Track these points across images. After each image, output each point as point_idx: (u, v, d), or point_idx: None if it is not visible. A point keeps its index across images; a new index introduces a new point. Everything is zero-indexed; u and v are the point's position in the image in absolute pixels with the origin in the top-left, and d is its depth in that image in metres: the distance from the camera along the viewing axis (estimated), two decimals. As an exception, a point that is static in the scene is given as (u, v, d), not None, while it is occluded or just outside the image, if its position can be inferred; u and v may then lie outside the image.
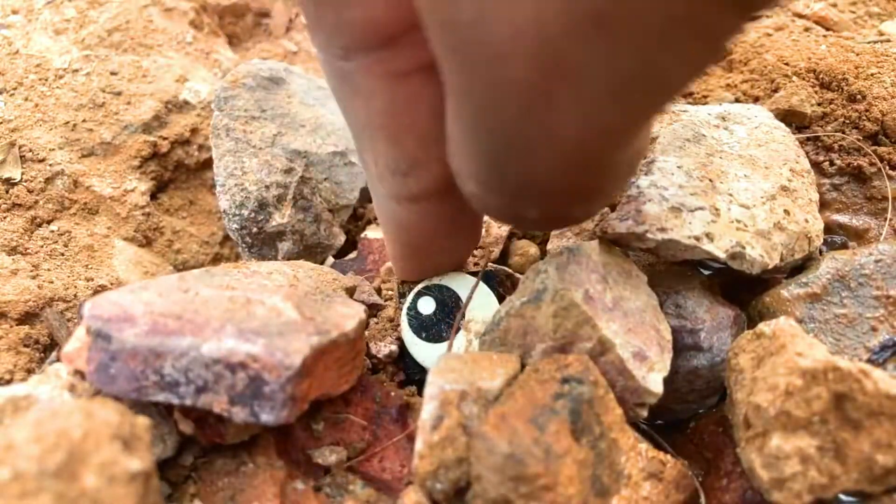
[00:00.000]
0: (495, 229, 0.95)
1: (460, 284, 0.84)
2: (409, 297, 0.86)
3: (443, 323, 0.84)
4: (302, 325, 0.65)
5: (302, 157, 0.99)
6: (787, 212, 0.79)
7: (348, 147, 1.04)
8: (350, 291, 0.87)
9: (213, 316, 0.64)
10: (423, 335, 0.83)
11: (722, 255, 0.73)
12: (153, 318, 0.63)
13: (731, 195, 0.78)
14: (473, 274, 0.87)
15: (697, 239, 0.73)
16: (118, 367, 0.61)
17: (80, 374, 0.68)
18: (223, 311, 0.65)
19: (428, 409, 0.63)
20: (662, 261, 0.83)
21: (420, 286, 0.86)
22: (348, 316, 0.71)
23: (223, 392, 0.60)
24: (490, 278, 0.87)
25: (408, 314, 0.86)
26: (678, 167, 0.80)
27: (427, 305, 0.85)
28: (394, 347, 0.88)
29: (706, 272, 0.85)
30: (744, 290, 0.84)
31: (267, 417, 0.60)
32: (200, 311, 0.64)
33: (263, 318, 0.65)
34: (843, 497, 0.61)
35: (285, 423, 0.61)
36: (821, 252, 0.84)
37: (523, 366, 0.71)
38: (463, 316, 0.83)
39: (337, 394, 0.67)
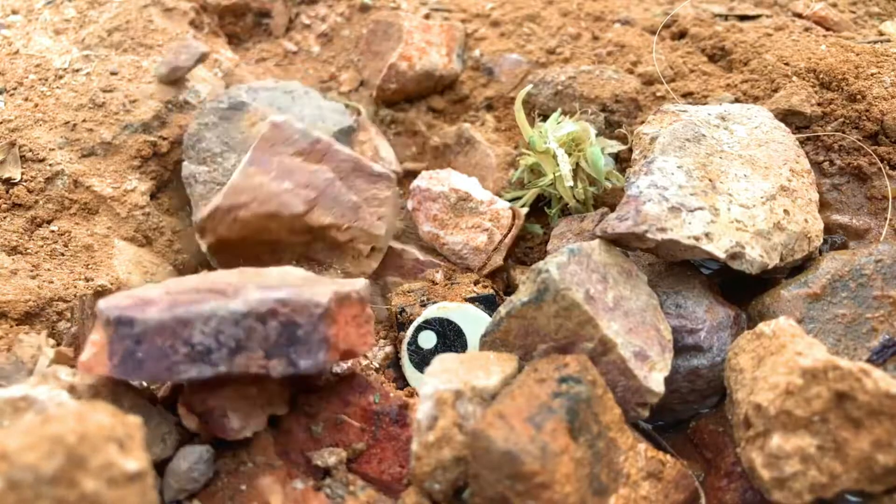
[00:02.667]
0: (496, 258, 0.95)
1: (461, 316, 0.83)
2: (410, 332, 0.85)
3: None
4: (318, 281, 0.67)
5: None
6: (786, 212, 0.79)
7: None
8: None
9: (232, 282, 0.64)
10: (424, 370, 0.82)
11: (722, 256, 0.73)
12: (172, 297, 0.63)
13: (730, 195, 0.78)
14: (472, 301, 0.86)
15: (697, 239, 0.73)
16: (145, 349, 0.60)
17: (75, 373, 0.68)
18: (239, 277, 0.66)
19: (423, 409, 0.63)
20: (662, 261, 0.83)
21: (420, 319, 0.85)
22: (355, 282, 0.72)
23: (257, 347, 0.61)
24: (491, 303, 0.86)
25: (408, 349, 0.85)
26: (678, 167, 0.79)
27: (428, 340, 0.84)
28: (389, 349, 0.88)
29: (706, 272, 0.85)
30: (744, 290, 0.84)
31: (305, 363, 0.61)
32: (217, 282, 0.65)
33: (280, 277, 0.66)
34: (849, 497, 0.61)
35: (322, 369, 0.61)
36: (821, 252, 0.84)
37: (521, 366, 0.71)
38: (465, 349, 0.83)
39: (361, 353, 0.67)
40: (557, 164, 0.92)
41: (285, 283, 0.64)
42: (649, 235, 0.73)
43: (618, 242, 0.77)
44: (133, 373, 0.61)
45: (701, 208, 0.75)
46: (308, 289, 0.63)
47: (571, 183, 0.92)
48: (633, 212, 0.75)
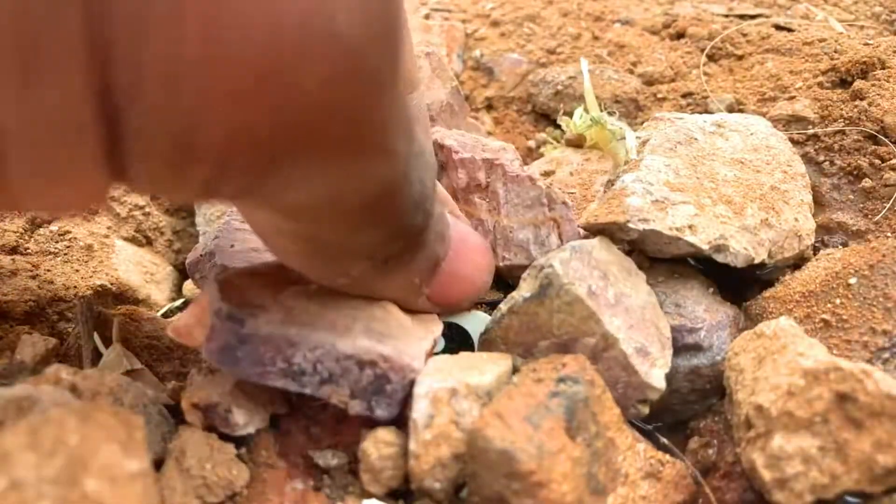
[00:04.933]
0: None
1: (469, 321, 0.83)
2: None
3: None
4: (412, 329, 0.70)
5: None
6: (775, 210, 0.79)
7: None
8: None
9: (342, 312, 0.67)
10: None
11: (705, 247, 0.73)
12: (284, 307, 0.65)
13: (718, 192, 0.78)
14: (479, 304, 0.86)
15: (679, 230, 0.73)
16: (246, 351, 0.63)
17: (80, 374, 0.68)
18: (348, 308, 0.68)
19: (419, 407, 0.63)
20: (662, 262, 0.83)
21: None
22: (432, 318, 0.76)
23: (346, 386, 0.64)
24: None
25: None
26: (666, 165, 0.80)
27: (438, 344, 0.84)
28: None
29: (704, 271, 0.85)
30: (743, 289, 0.84)
31: (381, 413, 0.65)
32: (328, 305, 0.67)
33: (383, 319, 0.69)
34: (848, 498, 0.61)
35: (392, 418, 0.65)
36: (817, 251, 0.85)
37: (516, 365, 0.71)
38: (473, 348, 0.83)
39: None
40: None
41: (389, 330, 0.67)
42: (631, 226, 0.73)
43: (600, 233, 0.77)
44: (227, 365, 0.63)
45: (686, 202, 0.76)
46: (407, 343, 0.66)
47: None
48: (615, 204, 0.75)
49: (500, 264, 0.85)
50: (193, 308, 0.67)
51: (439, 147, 0.88)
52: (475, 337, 0.82)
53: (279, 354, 0.63)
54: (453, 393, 0.64)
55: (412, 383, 0.65)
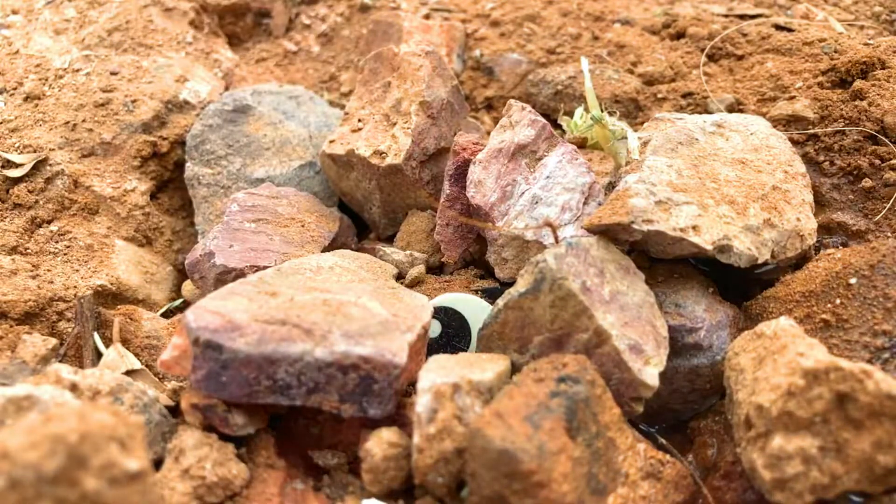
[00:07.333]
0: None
1: (465, 306, 0.84)
2: None
3: (448, 346, 0.83)
4: (394, 323, 0.70)
5: (265, 184, 1.03)
6: (778, 210, 0.79)
7: (315, 155, 1.07)
8: (397, 277, 0.91)
9: (317, 321, 0.67)
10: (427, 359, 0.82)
11: (709, 248, 0.73)
12: (260, 326, 0.66)
13: (720, 193, 0.78)
14: (477, 292, 0.86)
15: (683, 231, 0.73)
16: (230, 375, 0.64)
17: (80, 373, 0.68)
18: (323, 314, 0.69)
19: (422, 402, 0.64)
20: (662, 262, 0.83)
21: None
22: (421, 307, 0.76)
23: (334, 392, 0.65)
24: (496, 296, 0.86)
25: None
26: (668, 166, 0.80)
27: (433, 328, 0.84)
28: None
29: (703, 271, 0.85)
30: (743, 289, 0.84)
31: (374, 412, 0.66)
32: (303, 317, 0.68)
33: (361, 319, 0.69)
34: (852, 497, 0.61)
35: (387, 415, 0.66)
36: (819, 251, 0.84)
37: (514, 363, 0.71)
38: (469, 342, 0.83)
39: (415, 378, 0.70)
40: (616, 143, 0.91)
41: (367, 329, 0.68)
42: (635, 227, 0.73)
43: (605, 234, 0.77)
44: (215, 391, 0.64)
45: (689, 203, 0.75)
46: (388, 339, 0.67)
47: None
48: (619, 205, 0.75)
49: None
50: (176, 339, 0.68)
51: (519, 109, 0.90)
52: (472, 323, 0.82)
53: (262, 374, 0.64)
54: (456, 388, 0.64)
55: (398, 378, 0.65)
